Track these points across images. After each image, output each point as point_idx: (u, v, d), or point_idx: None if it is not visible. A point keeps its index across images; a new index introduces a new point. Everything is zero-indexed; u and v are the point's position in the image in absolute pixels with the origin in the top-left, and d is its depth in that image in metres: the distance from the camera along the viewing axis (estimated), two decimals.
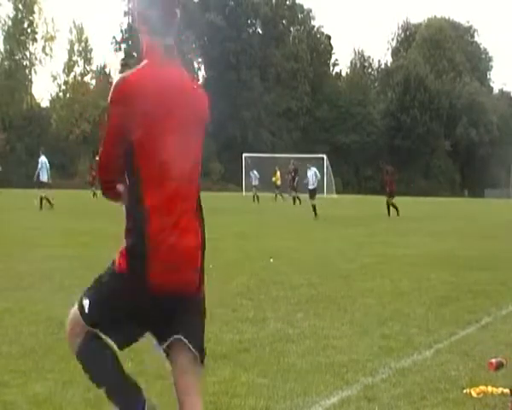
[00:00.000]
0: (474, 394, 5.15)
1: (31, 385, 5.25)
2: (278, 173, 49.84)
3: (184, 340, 3.25)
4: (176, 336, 3.25)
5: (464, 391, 5.23)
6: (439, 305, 8.92)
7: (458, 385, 5.41)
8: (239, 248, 15.58)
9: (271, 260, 13.22)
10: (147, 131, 3.10)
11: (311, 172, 29.96)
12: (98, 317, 3.28)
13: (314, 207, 28.07)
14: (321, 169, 66.57)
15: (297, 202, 40.87)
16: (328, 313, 8.25)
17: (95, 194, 44.28)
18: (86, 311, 3.30)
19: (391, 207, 30.05)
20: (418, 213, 36.02)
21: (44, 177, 29.49)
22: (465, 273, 11.93)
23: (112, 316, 3.25)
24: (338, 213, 32.67)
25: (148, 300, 3.13)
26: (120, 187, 3.27)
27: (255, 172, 51.35)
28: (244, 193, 60.32)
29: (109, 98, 3.17)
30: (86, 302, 3.30)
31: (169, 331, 3.28)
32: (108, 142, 3.22)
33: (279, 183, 49.76)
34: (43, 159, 29.95)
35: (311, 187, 29.61)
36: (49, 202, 29.10)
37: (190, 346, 3.27)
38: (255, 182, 50.00)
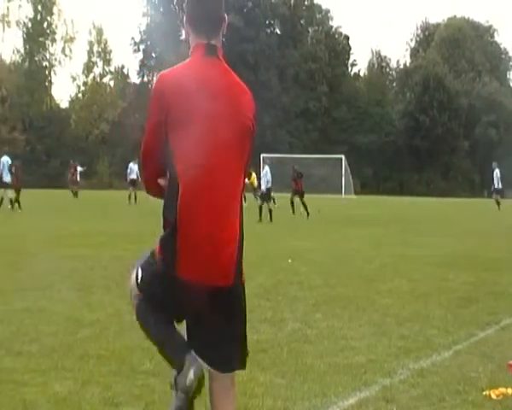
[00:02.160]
0: (493, 396, 5.12)
1: (50, 384, 5.28)
2: (254, 175, 45.23)
3: (201, 361, 3.30)
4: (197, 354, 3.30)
5: (484, 393, 5.20)
6: (459, 306, 8.87)
7: (478, 387, 5.37)
8: (256, 249, 15.57)
9: (289, 260, 13.21)
10: (174, 126, 3.17)
11: (263, 172, 27.01)
12: (147, 291, 3.33)
13: (260, 209, 25.49)
14: (339, 170, 66.65)
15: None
16: (346, 313, 8.23)
17: (74, 193, 44.54)
18: (139, 281, 3.37)
19: (299, 207, 28.18)
20: (437, 214, 35.90)
21: (8, 177, 28.62)
22: (484, 274, 11.86)
23: (156, 295, 3.30)
24: (356, 214, 32.60)
25: (178, 290, 3.19)
26: (162, 181, 3.32)
27: None
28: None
29: (151, 92, 3.31)
30: (139, 273, 3.37)
31: (195, 338, 3.32)
32: (148, 134, 3.32)
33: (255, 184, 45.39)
34: (4, 159, 29.11)
35: (263, 187, 26.61)
36: (11, 203, 28.50)
37: (209, 367, 3.34)
38: None
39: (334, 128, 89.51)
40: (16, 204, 28.47)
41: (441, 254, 15.11)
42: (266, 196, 26.24)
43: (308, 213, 27.44)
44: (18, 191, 28.82)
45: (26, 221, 22.91)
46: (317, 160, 68.53)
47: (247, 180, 36.22)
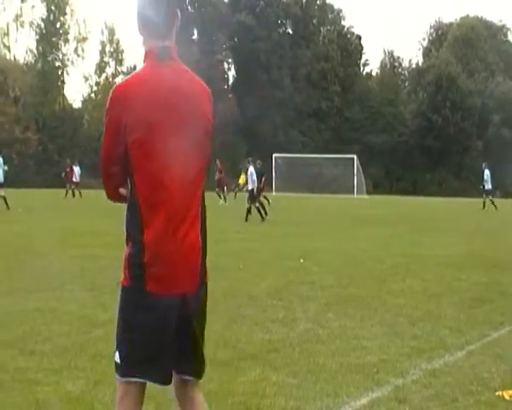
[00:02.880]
0: (506, 396, 5.10)
1: (63, 384, 5.30)
2: (243, 175, 41.91)
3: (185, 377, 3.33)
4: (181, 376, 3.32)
5: (497, 393, 5.18)
6: (471, 306, 8.84)
7: (490, 387, 5.35)
8: (268, 249, 15.59)
9: (301, 260, 13.21)
10: (137, 135, 3.07)
11: (249, 173, 26.47)
12: (129, 358, 3.18)
13: (248, 210, 25.29)
14: (351, 169, 66.56)
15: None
16: (358, 313, 8.22)
17: (67, 192, 43.93)
18: (118, 360, 3.20)
19: (253, 210, 26.24)
20: (449, 214, 35.77)
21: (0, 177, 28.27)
22: (497, 274, 11.81)
23: (139, 346, 3.16)
24: (368, 214, 32.53)
25: (149, 304, 3.10)
26: (123, 191, 3.24)
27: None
28: (274, 193, 60.33)
29: (106, 106, 3.20)
30: (116, 354, 3.22)
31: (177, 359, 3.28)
32: (105, 147, 3.22)
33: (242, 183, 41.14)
34: None
35: (250, 187, 25.96)
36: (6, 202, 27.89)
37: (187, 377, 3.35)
38: None
39: (346, 128, 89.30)
40: None
41: (453, 254, 15.06)
42: (252, 197, 25.84)
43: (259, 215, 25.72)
44: None
45: (36, 221, 22.98)
46: (329, 160, 68.48)
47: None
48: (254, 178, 26.16)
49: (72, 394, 5.08)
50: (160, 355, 3.18)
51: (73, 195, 43.65)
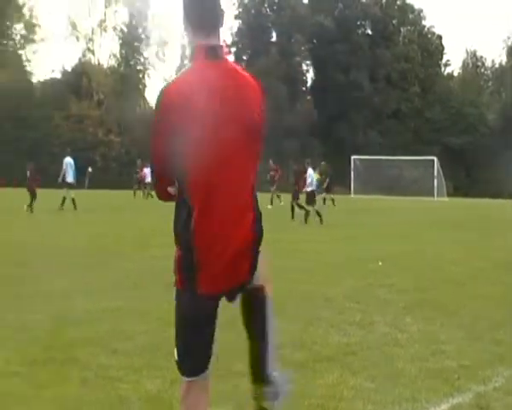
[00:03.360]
0: None
1: (142, 382, 5.40)
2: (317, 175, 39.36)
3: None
4: None
5: None
6: None
7: None
8: (347, 251, 15.49)
9: (380, 263, 13.08)
10: (186, 136, 3.08)
11: (307, 174, 25.71)
12: (185, 355, 3.27)
13: (317, 213, 24.79)
14: (431, 171, 65.52)
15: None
16: (437, 317, 8.09)
17: (145, 193, 44.72)
18: (176, 357, 3.31)
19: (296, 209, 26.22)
20: None
21: (70, 178, 28.72)
22: None
23: (193, 343, 3.25)
24: (449, 217, 31.98)
25: (201, 305, 3.17)
26: (171, 190, 3.28)
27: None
28: (353, 195, 59.96)
29: (154, 107, 3.24)
30: (175, 351, 3.32)
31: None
32: (156, 149, 3.25)
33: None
34: (67, 160, 29.18)
35: (308, 189, 25.27)
36: (73, 203, 28.01)
37: None
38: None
39: (426, 129, 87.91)
40: (27, 206, 27.23)
41: None
42: (311, 199, 25.30)
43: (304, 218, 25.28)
44: (32, 195, 27.52)
45: (122, 221, 23.44)
46: (408, 161, 67.62)
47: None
48: (312, 180, 25.72)
49: (150, 392, 5.16)
50: (209, 348, 3.27)
51: (134, 195, 44.59)
